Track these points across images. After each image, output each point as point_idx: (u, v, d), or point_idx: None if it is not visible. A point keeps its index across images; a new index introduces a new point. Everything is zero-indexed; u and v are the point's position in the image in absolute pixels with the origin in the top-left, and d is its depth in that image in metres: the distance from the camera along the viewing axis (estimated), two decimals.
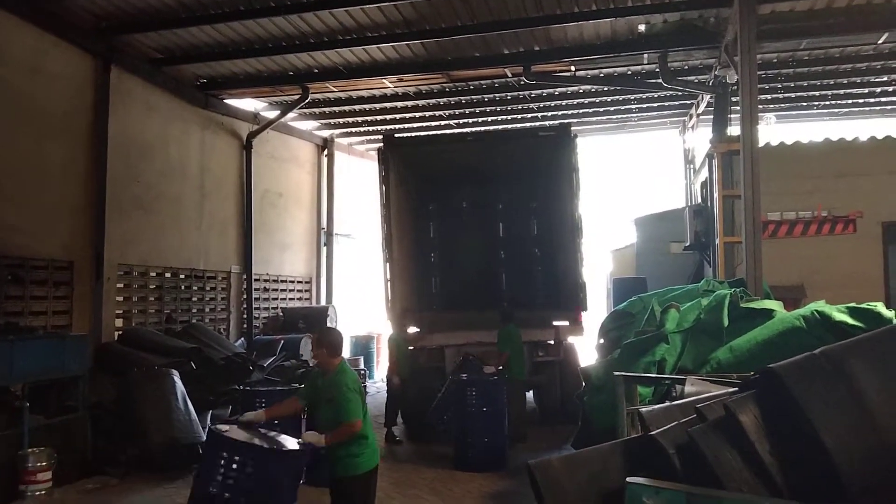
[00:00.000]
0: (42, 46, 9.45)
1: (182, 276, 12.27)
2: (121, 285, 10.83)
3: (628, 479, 2.06)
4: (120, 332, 10.57)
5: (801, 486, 2.18)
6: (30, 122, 9.25)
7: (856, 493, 2.09)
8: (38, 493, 7.15)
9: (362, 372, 14.62)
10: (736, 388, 2.72)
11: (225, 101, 13.27)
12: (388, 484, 7.67)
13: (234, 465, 4.04)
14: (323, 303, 16.22)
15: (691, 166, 15.59)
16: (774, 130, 14.64)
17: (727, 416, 2.38)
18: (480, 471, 7.98)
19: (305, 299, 16.18)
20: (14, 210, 8.99)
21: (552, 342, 11.03)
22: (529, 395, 11.19)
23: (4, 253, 8.85)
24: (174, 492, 7.52)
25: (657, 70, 11.60)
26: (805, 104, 14.89)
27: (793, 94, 14.10)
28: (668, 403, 3.01)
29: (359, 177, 17.92)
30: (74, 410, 8.20)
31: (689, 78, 12.42)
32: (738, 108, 9.30)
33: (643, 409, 2.78)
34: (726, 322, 5.79)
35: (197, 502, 4.23)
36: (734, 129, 11.28)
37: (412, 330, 11.27)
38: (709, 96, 12.85)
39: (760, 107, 11.88)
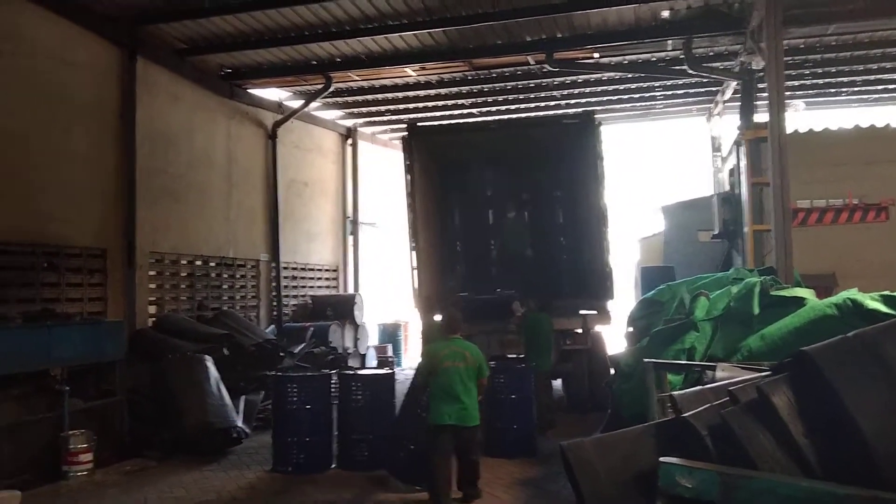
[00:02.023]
0: (70, 37, 9.61)
1: (212, 264, 12.45)
2: (153, 273, 11.03)
3: (662, 458, 2.09)
4: (153, 319, 10.77)
5: (834, 468, 2.21)
6: (60, 112, 9.43)
7: (891, 476, 2.12)
8: (79, 474, 7.40)
9: (390, 359, 14.75)
10: (768, 373, 2.75)
11: (249, 90, 13.39)
12: None
13: None
14: (350, 291, 16.36)
15: (718, 154, 15.47)
16: (803, 117, 14.48)
17: (760, 399, 2.41)
18: (510, 457, 8.06)
19: (333, 287, 16.33)
20: (48, 199, 9.18)
21: (580, 331, 11.06)
22: (557, 383, 11.24)
23: (40, 241, 9.06)
24: (210, 474, 7.71)
25: (682, 56, 11.52)
26: (833, 90, 14.69)
27: (821, 81, 13.90)
28: (699, 387, 3.04)
29: (382, 166, 18.00)
30: (112, 395, 8.43)
31: (715, 64, 12.30)
32: (765, 94, 9.21)
33: (675, 393, 2.81)
34: (757, 310, 5.78)
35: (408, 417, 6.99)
36: (761, 116, 11.18)
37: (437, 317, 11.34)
38: (735, 83, 12.73)
39: (788, 93, 11.75)
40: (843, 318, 5.24)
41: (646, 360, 5.03)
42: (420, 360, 6.60)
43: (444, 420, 6.19)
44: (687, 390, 3.29)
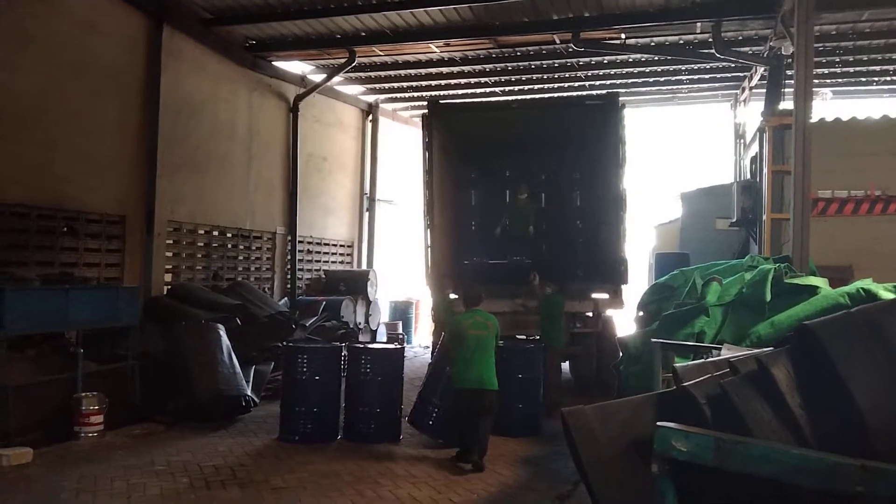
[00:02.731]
0: (97, 3, 9.66)
1: (229, 235, 12.55)
2: (170, 241, 11.13)
3: (658, 423, 2.09)
4: (169, 287, 10.89)
5: (829, 440, 2.20)
6: (85, 79, 9.49)
7: (884, 449, 2.10)
8: (90, 435, 7.53)
9: (400, 336, 14.83)
10: (770, 350, 2.73)
11: (273, 63, 13.39)
12: (422, 445, 7.85)
13: None
14: (364, 267, 16.43)
15: (741, 141, 15.24)
16: (830, 106, 14.17)
17: (759, 370, 2.40)
18: (514, 436, 8.08)
19: (347, 263, 16.41)
20: (70, 164, 9.28)
21: (590, 314, 11.02)
22: (565, 365, 11.23)
23: (61, 206, 9.17)
24: (217, 440, 7.82)
25: (710, 40, 11.32)
26: (864, 80, 14.37)
27: (851, 69, 13.60)
28: (702, 360, 3.01)
29: (401, 143, 17.96)
30: (124, 359, 8.55)
31: (743, 49, 12.07)
32: (793, 81, 9.01)
33: (677, 365, 2.79)
34: (769, 297, 5.71)
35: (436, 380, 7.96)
36: (787, 104, 10.97)
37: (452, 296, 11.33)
38: (763, 69, 12.48)
39: (816, 81, 11.51)
40: None
41: (653, 339, 4.99)
42: (446, 329, 7.43)
43: (467, 384, 6.99)
44: (689, 363, 3.27)
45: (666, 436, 2.03)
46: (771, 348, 2.70)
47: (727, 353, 3.42)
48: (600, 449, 2.34)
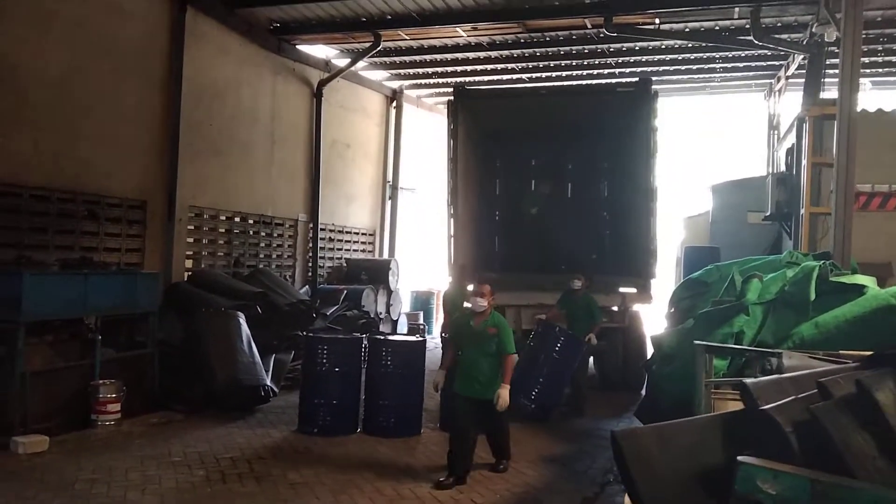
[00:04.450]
0: None
1: (251, 222, 12.41)
2: (191, 227, 11.01)
3: (740, 457, 1.80)
4: (189, 273, 10.78)
5: None
6: (107, 60, 9.34)
7: None
8: (107, 423, 7.44)
9: (421, 327, 14.63)
10: (855, 365, 2.40)
11: (297, 46, 13.17)
12: (443, 441, 7.63)
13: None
14: (385, 256, 16.24)
15: (775, 132, 14.76)
16: (869, 97, 13.66)
17: (859, 394, 2.07)
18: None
19: (368, 251, 16.22)
20: (91, 147, 9.16)
21: (616, 308, 10.72)
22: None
23: (81, 189, 9.06)
24: (235, 430, 7.69)
25: (747, 26, 10.90)
26: None
27: (894, 58, 13.09)
28: (776, 376, 2.68)
29: (425, 131, 17.69)
30: (143, 346, 8.44)
31: (781, 36, 11.62)
32: (835, 70, 8.62)
33: (748, 381, 2.45)
34: (813, 296, 5.40)
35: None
36: (828, 94, 10.54)
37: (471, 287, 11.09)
38: (801, 57, 12.03)
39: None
40: None
41: (696, 342, 4.69)
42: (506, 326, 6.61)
43: None
44: (761, 379, 2.86)
45: (750, 475, 1.73)
46: (849, 362, 2.40)
47: (789, 361, 3.11)
48: (660, 479, 2.04)
